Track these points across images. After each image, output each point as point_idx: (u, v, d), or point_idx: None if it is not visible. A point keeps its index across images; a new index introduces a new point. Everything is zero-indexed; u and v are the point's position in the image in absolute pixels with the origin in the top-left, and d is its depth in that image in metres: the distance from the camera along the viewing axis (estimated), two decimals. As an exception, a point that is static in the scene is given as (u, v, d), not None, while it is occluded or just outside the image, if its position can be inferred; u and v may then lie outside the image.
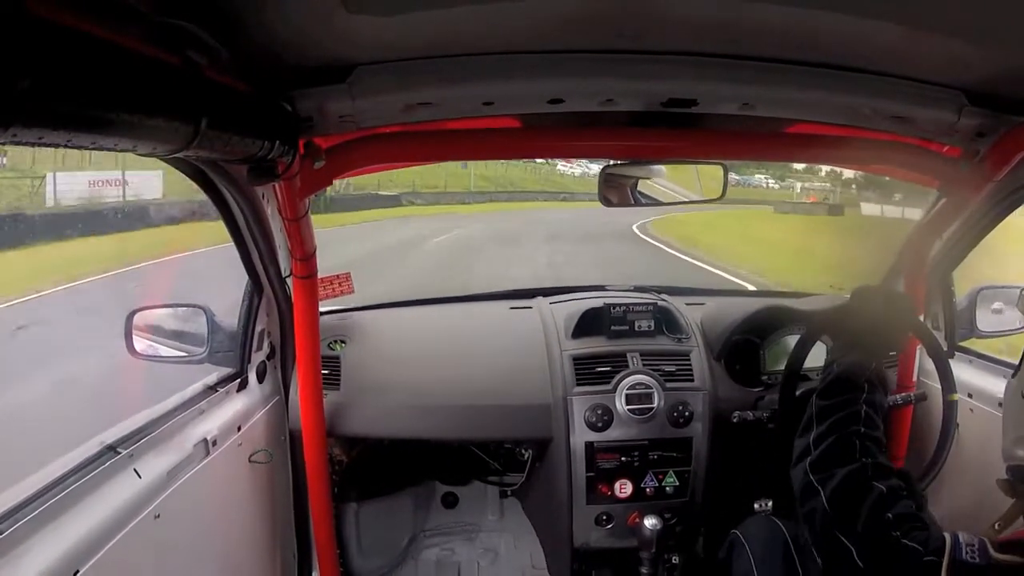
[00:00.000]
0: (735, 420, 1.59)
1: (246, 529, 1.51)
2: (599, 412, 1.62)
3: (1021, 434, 0.90)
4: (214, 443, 1.31)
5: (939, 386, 1.38)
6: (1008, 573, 0.73)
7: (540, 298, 1.97)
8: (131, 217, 13.83)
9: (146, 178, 15.38)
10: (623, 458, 1.63)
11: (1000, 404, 1.20)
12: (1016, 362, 0.98)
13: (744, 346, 1.73)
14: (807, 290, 2.20)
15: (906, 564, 0.78)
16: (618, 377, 1.65)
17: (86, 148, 0.59)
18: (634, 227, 18.97)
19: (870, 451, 0.94)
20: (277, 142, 0.94)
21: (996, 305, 1.75)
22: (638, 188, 1.48)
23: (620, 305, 1.77)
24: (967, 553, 0.75)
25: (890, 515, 0.84)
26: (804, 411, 1.05)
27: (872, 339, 1.13)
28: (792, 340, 1.43)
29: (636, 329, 1.76)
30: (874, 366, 1.06)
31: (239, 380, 1.50)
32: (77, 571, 0.89)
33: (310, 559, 1.76)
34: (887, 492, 0.87)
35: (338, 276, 1.78)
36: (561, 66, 1.01)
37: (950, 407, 1.35)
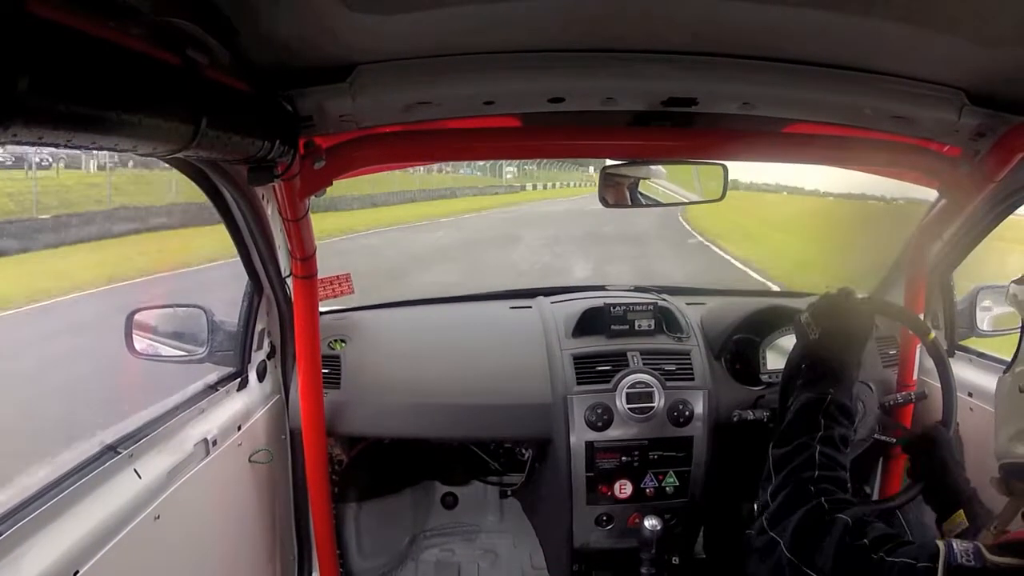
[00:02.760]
0: (735, 420, 1.59)
1: (246, 529, 1.51)
2: (599, 411, 1.62)
3: (1018, 430, 0.89)
4: (214, 443, 1.31)
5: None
6: (1004, 575, 0.73)
7: (540, 298, 1.97)
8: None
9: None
10: (623, 458, 1.63)
11: None
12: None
13: (744, 345, 1.73)
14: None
15: None
16: (618, 376, 1.65)
17: (86, 148, 0.59)
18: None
19: (827, 491, 0.92)
20: (277, 142, 0.94)
21: (995, 304, 1.75)
22: (638, 188, 1.48)
23: (620, 304, 1.77)
24: (962, 557, 0.75)
25: (866, 540, 0.82)
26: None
27: (828, 364, 1.10)
28: (792, 339, 1.43)
29: (636, 328, 1.76)
30: (830, 398, 1.03)
31: (239, 379, 1.50)
32: (77, 571, 0.89)
33: (310, 559, 1.76)
34: (853, 522, 0.85)
35: (338, 276, 1.78)
36: (561, 65, 1.01)
37: (934, 347, 1.31)
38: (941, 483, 1.17)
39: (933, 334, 1.33)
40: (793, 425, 1.03)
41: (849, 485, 0.97)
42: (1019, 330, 0.92)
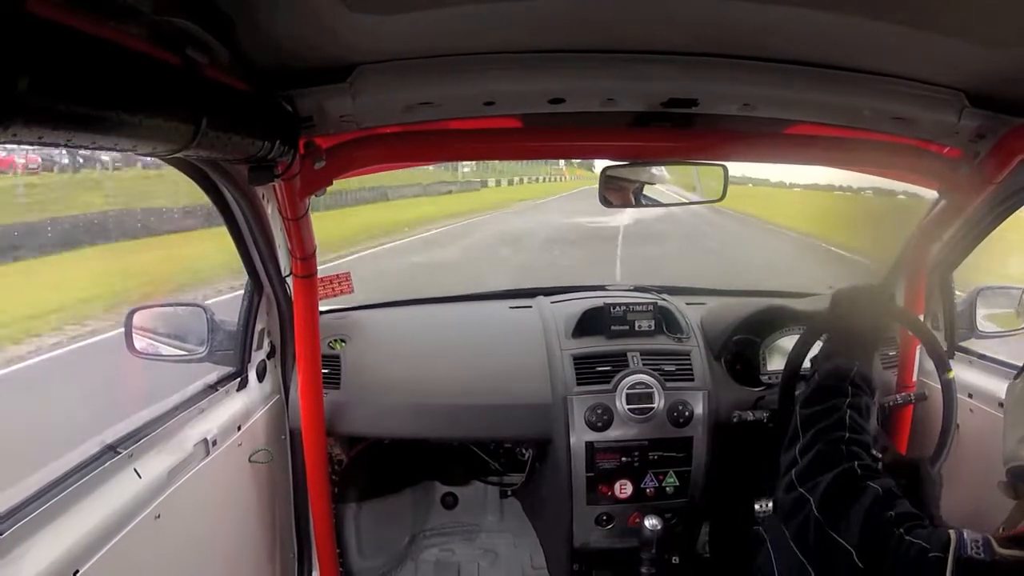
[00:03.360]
0: (735, 420, 1.59)
1: (246, 529, 1.51)
2: (599, 412, 1.62)
3: None
4: (214, 443, 1.31)
5: (939, 386, 1.37)
6: (1013, 568, 0.73)
7: (540, 297, 1.97)
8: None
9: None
10: (623, 458, 1.63)
11: (1001, 405, 1.20)
12: (1018, 364, 0.97)
13: (744, 346, 1.73)
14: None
15: (911, 561, 0.78)
16: (618, 376, 1.65)
17: (86, 148, 0.59)
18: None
19: (857, 455, 0.93)
20: (277, 142, 0.94)
21: (996, 306, 1.75)
22: (640, 189, 1.48)
23: (620, 305, 1.77)
24: (972, 549, 0.75)
25: (892, 514, 0.83)
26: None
27: (854, 340, 1.13)
28: (792, 340, 1.43)
29: (636, 329, 1.76)
30: (856, 369, 1.05)
31: (239, 379, 1.50)
32: (77, 571, 0.89)
33: (310, 559, 1.76)
34: (883, 492, 0.86)
35: (338, 275, 1.78)
36: (562, 66, 1.01)
37: (948, 386, 1.33)
38: None
39: (953, 372, 1.35)
40: (821, 388, 1.05)
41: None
42: None
